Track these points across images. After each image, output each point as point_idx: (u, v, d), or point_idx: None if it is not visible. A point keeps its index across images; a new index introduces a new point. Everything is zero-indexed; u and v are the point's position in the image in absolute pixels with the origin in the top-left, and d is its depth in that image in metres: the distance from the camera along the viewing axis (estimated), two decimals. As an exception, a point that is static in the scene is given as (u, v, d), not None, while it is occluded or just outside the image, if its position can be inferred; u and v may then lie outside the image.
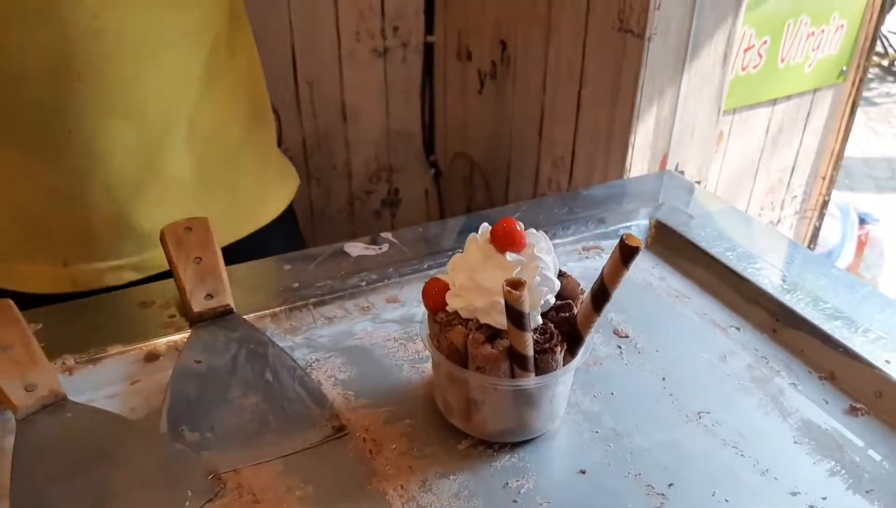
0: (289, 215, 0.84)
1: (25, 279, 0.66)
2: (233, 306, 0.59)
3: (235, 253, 0.69)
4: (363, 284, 0.65)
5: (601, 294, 0.46)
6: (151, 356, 0.58)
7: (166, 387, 0.54)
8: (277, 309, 0.62)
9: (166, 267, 0.66)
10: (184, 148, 0.68)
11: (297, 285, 0.65)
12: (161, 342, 0.59)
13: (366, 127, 1.44)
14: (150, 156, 0.66)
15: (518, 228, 0.47)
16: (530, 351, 0.46)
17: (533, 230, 0.49)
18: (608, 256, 0.45)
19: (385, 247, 0.71)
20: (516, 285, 0.43)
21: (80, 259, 0.68)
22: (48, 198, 0.65)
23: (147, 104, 0.64)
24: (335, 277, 0.66)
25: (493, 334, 0.47)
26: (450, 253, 0.70)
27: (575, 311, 0.49)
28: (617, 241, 0.44)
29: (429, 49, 1.45)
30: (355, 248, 0.70)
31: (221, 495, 0.47)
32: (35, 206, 0.65)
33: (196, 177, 0.71)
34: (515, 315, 0.44)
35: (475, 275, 0.47)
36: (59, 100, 0.60)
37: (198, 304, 0.58)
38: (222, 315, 0.59)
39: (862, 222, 1.85)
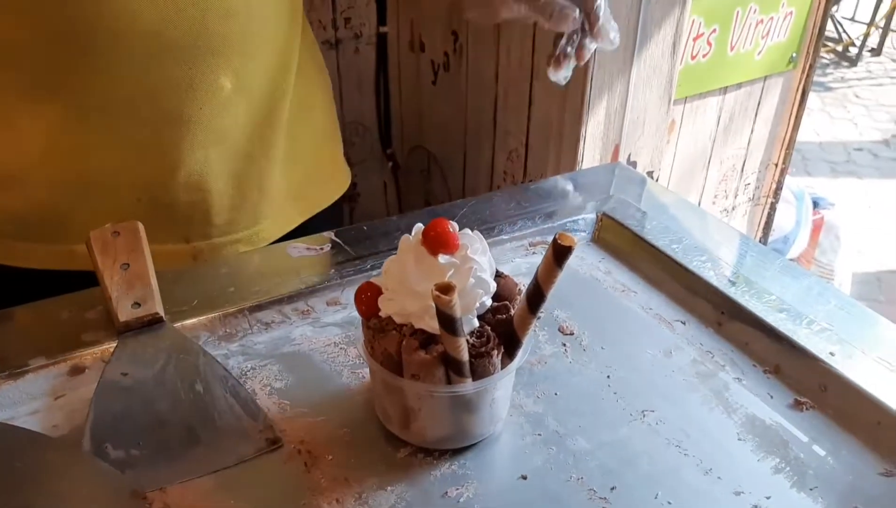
0: (341, 204, 0.87)
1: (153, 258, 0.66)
2: (162, 314, 0.57)
3: (303, 231, 0.76)
4: (303, 286, 0.63)
5: (536, 295, 0.45)
6: (76, 370, 0.55)
7: (90, 402, 0.51)
8: (211, 315, 0.59)
9: (273, 238, 0.75)
10: (283, 124, 0.73)
11: (232, 289, 0.62)
12: (87, 354, 0.56)
13: (319, 120, 1.41)
14: (260, 131, 0.70)
15: (450, 229, 0.46)
16: (465, 356, 0.44)
17: (467, 231, 0.47)
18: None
19: (327, 247, 0.69)
20: (446, 289, 0.41)
21: (200, 235, 0.71)
22: (174, 174, 0.66)
23: (261, 82, 0.68)
24: (273, 279, 0.64)
25: (427, 339, 0.46)
26: (394, 252, 0.68)
27: (512, 312, 0.47)
28: (563, 237, 0.43)
29: (381, 40, 1.42)
30: (296, 249, 0.68)
31: (146, 515, 0.45)
32: (161, 182, 0.67)
33: (289, 152, 0.75)
34: (447, 320, 0.42)
35: (407, 278, 0.45)
36: (195, 77, 0.63)
37: (124, 313, 0.56)
38: (150, 324, 0.56)
39: (816, 206, 1.87)
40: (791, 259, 1.75)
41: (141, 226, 0.61)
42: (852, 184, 3.14)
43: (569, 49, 0.63)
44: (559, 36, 0.65)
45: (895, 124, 3.67)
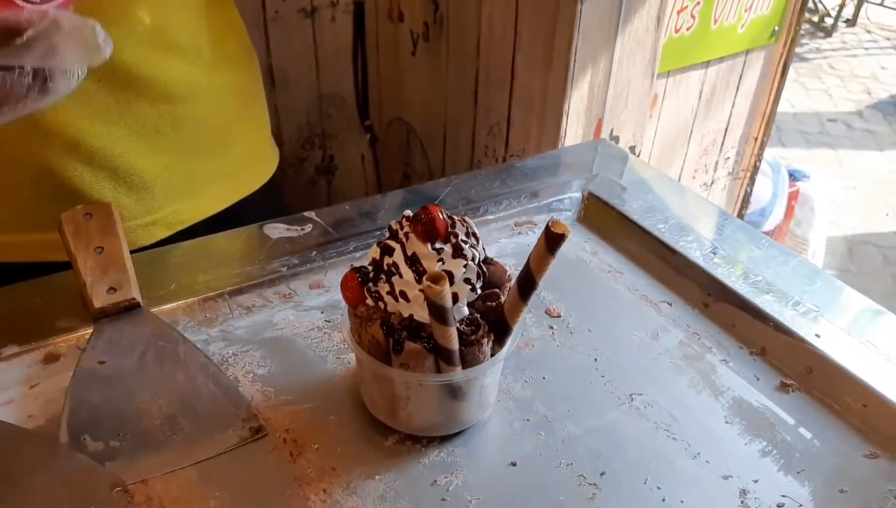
0: (275, 183, 0.82)
1: (51, 249, 0.61)
2: (139, 299, 0.55)
3: (221, 223, 0.70)
4: (284, 269, 0.62)
5: (527, 283, 0.44)
6: (51, 357, 0.54)
7: (66, 392, 0.49)
8: (190, 300, 0.58)
9: (194, 221, 0.70)
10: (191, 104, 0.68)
11: (211, 272, 0.60)
12: (62, 342, 0.54)
13: (296, 92, 1.38)
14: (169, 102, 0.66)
15: (441, 216, 0.44)
16: (455, 345, 0.44)
17: (458, 217, 0.46)
18: (541, 231, 0.42)
19: (308, 227, 0.67)
20: (437, 279, 0.40)
21: None
22: (74, 149, 0.62)
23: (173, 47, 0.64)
24: (253, 262, 0.62)
25: (416, 327, 0.45)
26: (377, 233, 0.67)
27: (502, 299, 0.46)
28: (549, 216, 0.42)
29: (359, 9, 1.39)
30: (275, 229, 0.66)
31: (128, 509, 0.44)
32: (63, 167, 0.63)
33: (201, 132, 0.70)
34: (438, 310, 0.41)
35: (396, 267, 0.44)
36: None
37: (99, 299, 0.54)
38: (127, 310, 0.54)
39: (793, 178, 1.88)
40: (767, 232, 1.77)
41: (115, 208, 0.59)
42: (826, 155, 3.17)
43: None
44: None
45: (868, 95, 3.70)
